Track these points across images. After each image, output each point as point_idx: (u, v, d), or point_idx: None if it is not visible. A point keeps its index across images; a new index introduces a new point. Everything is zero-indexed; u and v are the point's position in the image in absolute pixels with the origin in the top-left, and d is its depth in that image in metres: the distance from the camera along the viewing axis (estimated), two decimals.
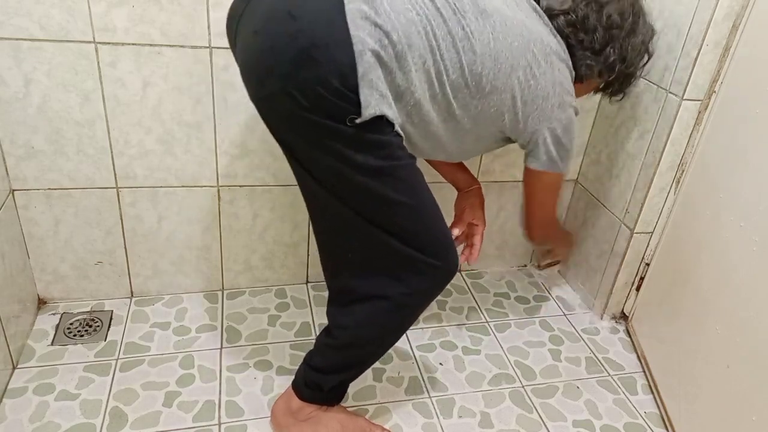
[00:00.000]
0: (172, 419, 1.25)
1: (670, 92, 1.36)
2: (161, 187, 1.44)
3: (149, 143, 1.38)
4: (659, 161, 1.40)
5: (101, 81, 1.29)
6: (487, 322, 1.63)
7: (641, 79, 1.45)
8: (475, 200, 1.40)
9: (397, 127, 0.96)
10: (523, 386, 1.42)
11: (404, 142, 0.99)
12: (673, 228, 1.44)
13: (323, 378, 1.16)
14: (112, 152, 1.37)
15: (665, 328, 1.43)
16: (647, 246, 1.52)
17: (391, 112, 0.93)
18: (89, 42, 1.25)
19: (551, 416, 1.34)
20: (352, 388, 1.36)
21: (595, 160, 1.66)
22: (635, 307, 1.59)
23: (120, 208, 1.44)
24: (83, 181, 1.39)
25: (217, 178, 1.46)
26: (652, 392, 1.43)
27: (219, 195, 1.49)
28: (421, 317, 1.61)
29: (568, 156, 1.16)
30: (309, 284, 1.69)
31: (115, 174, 1.40)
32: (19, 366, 1.33)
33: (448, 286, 1.73)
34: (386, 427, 1.27)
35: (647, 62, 1.23)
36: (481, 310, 1.67)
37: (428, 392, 1.38)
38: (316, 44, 0.87)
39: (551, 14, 1.12)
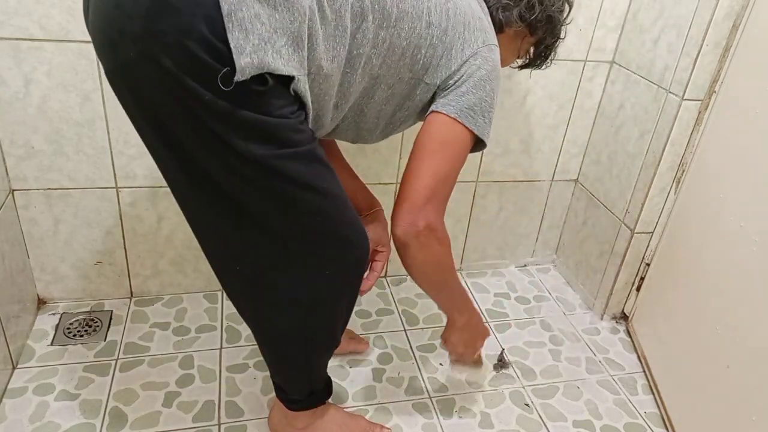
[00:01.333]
0: (172, 419, 1.25)
1: (670, 92, 1.36)
2: (161, 187, 1.44)
3: None
4: (659, 161, 1.40)
5: (101, 81, 1.29)
6: (487, 322, 1.63)
7: (642, 79, 1.45)
8: (378, 224, 1.23)
9: (299, 93, 0.77)
10: (523, 386, 1.42)
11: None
12: (673, 228, 1.44)
13: (294, 389, 1.13)
14: (111, 152, 1.37)
15: (665, 328, 1.43)
16: (647, 246, 1.52)
17: (282, 63, 0.73)
18: (89, 42, 1.24)
19: (551, 416, 1.34)
20: (352, 388, 1.36)
21: (595, 160, 1.66)
22: (635, 307, 1.59)
23: (120, 208, 1.44)
24: (83, 181, 1.39)
25: None
26: (653, 392, 1.43)
27: None
28: (421, 317, 1.61)
29: (486, 114, 0.94)
30: None
31: (114, 174, 1.40)
32: (19, 366, 1.33)
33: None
34: (386, 426, 1.27)
35: (567, 15, 1.11)
36: (481, 310, 1.67)
37: (428, 392, 1.38)
38: None
39: None
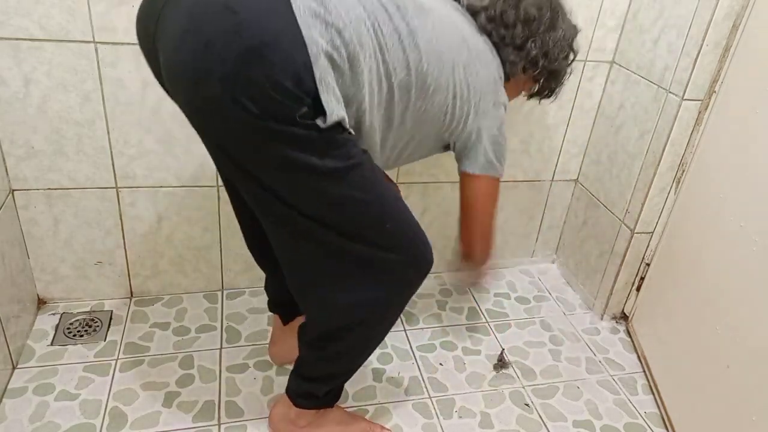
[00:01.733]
0: (172, 419, 1.25)
1: (670, 92, 1.36)
2: (161, 187, 1.44)
3: (149, 143, 1.38)
4: (659, 161, 1.40)
5: (101, 81, 1.29)
6: (487, 322, 1.63)
7: (642, 79, 1.45)
8: None
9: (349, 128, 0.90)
10: (523, 386, 1.42)
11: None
12: (673, 228, 1.44)
13: (316, 386, 1.15)
14: (111, 152, 1.37)
15: (665, 328, 1.43)
16: (647, 246, 1.52)
17: (345, 116, 0.87)
18: (89, 42, 1.25)
19: (551, 416, 1.34)
20: (352, 388, 1.36)
21: (595, 160, 1.66)
22: (635, 307, 1.59)
23: (119, 208, 1.44)
24: (83, 181, 1.39)
25: (217, 178, 1.46)
26: (652, 392, 1.43)
27: (219, 195, 1.49)
28: (421, 317, 1.61)
29: (504, 157, 1.14)
30: None
31: (114, 174, 1.40)
32: (19, 366, 1.33)
33: (448, 287, 1.74)
34: (386, 427, 1.27)
35: (573, 61, 1.21)
36: (481, 310, 1.67)
37: (428, 392, 1.38)
38: (265, 41, 0.78)
39: (473, 12, 1.11)
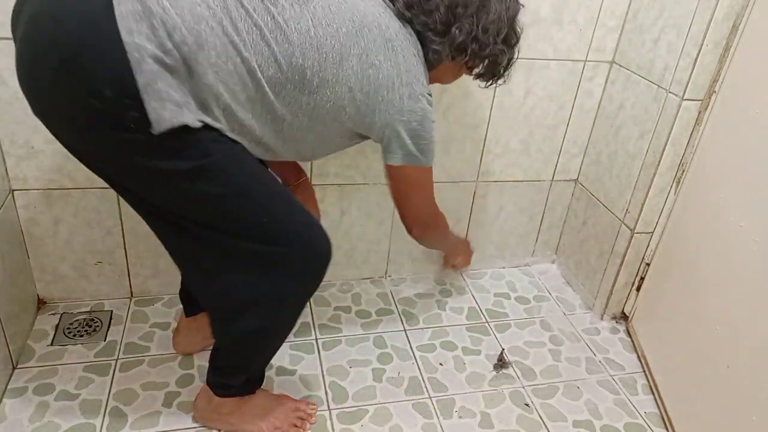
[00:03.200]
0: (172, 419, 1.25)
1: (670, 92, 1.36)
2: None
3: None
4: (659, 161, 1.40)
5: None
6: (487, 322, 1.63)
7: (642, 79, 1.45)
8: (305, 194, 1.33)
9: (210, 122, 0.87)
10: (523, 386, 1.42)
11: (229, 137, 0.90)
12: (673, 228, 1.44)
13: (230, 377, 1.16)
14: None
15: (665, 328, 1.43)
16: (647, 246, 1.52)
17: (193, 118, 0.83)
18: None
19: (551, 416, 1.34)
20: (352, 388, 1.36)
21: (595, 160, 1.66)
22: (635, 307, 1.59)
23: (120, 208, 1.44)
24: (83, 181, 1.38)
25: None
26: (652, 392, 1.43)
27: None
28: (421, 317, 1.61)
29: (429, 148, 1.08)
30: None
31: None
32: (19, 366, 1.33)
33: (448, 287, 1.74)
34: (386, 427, 1.27)
35: (515, 43, 1.12)
36: (481, 310, 1.67)
37: (428, 392, 1.38)
38: (80, 52, 0.77)
39: None
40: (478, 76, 1.17)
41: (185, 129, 0.83)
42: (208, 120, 0.85)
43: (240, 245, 0.96)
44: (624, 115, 1.53)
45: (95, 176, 1.36)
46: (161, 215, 0.96)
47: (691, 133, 1.37)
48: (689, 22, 1.29)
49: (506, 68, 1.15)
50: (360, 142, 1.10)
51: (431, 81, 1.09)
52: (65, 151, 1.32)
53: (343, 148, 1.12)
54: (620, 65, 1.54)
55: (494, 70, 1.14)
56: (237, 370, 1.15)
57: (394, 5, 1.03)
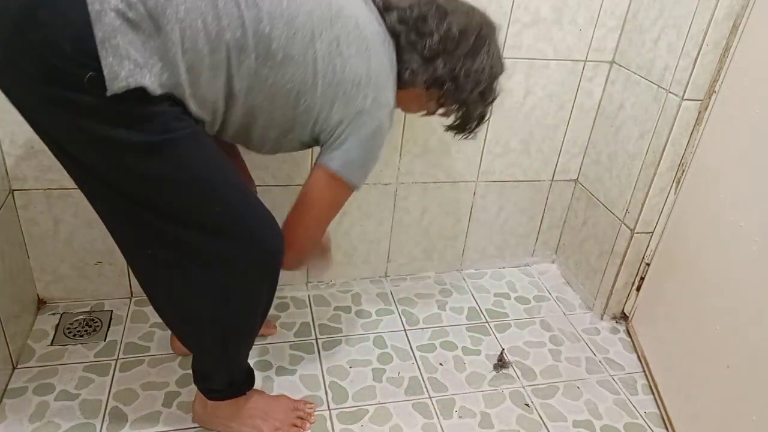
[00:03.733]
0: (172, 419, 1.25)
1: (670, 92, 1.36)
2: None
3: None
4: (659, 161, 1.40)
5: None
6: (487, 322, 1.63)
7: (642, 79, 1.45)
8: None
9: (177, 99, 0.82)
10: (523, 386, 1.42)
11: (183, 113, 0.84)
12: (673, 228, 1.44)
13: (210, 382, 1.15)
14: None
15: (665, 328, 1.43)
16: (647, 246, 1.52)
17: (153, 82, 0.78)
18: None
19: (551, 416, 1.34)
20: (352, 388, 1.36)
21: (595, 160, 1.66)
22: (635, 307, 1.59)
23: None
24: None
25: None
26: (652, 392, 1.43)
27: None
28: (421, 317, 1.61)
29: (366, 168, 1.02)
30: (308, 284, 1.69)
31: None
32: (19, 366, 1.33)
33: (448, 287, 1.74)
34: (386, 427, 1.27)
35: (490, 102, 1.10)
36: (481, 310, 1.67)
37: (428, 392, 1.38)
38: (38, 5, 0.73)
39: (387, 7, 1.02)
40: (449, 124, 1.13)
41: (144, 97, 0.77)
42: (170, 88, 0.80)
43: (186, 235, 0.90)
44: (624, 115, 1.53)
45: None
46: (103, 194, 0.89)
47: (691, 133, 1.37)
48: (689, 22, 1.29)
49: (477, 124, 1.12)
50: (311, 145, 1.04)
51: (396, 102, 1.05)
52: None
53: (289, 146, 1.04)
54: (620, 65, 1.54)
55: (465, 120, 1.11)
56: (213, 374, 1.14)
57: (385, 16, 1.01)
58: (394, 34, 1.01)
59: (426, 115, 1.13)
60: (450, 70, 1.02)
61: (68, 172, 0.92)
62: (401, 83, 1.04)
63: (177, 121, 0.83)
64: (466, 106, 1.08)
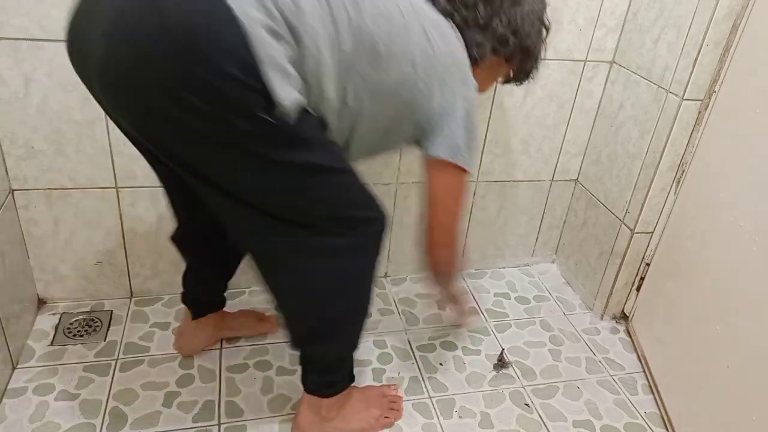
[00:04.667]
0: (172, 419, 1.25)
1: (670, 92, 1.36)
2: (161, 187, 1.44)
3: None
4: (659, 161, 1.40)
5: None
6: (486, 322, 1.63)
7: (642, 79, 1.45)
8: None
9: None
10: (523, 386, 1.42)
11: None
12: (673, 228, 1.44)
13: (335, 371, 1.17)
14: (111, 152, 1.37)
15: (665, 328, 1.43)
16: (647, 246, 1.52)
17: (304, 99, 0.81)
18: None
19: (551, 416, 1.34)
20: None
21: (595, 160, 1.66)
22: (635, 307, 1.59)
23: (120, 208, 1.44)
24: (83, 181, 1.39)
25: None
26: (652, 392, 1.43)
27: None
28: (421, 317, 1.61)
29: (473, 147, 1.04)
30: None
31: (114, 174, 1.40)
32: (19, 366, 1.33)
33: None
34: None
35: (546, 36, 1.14)
36: (481, 310, 1.67)
37: (428, 392, 1.38)
38: (195, 30, 0.71)
39: None
40: (509, 80, 1.18)
41: (306, 113, 0.80)
42: (306, 101, 0.82)
43: (325, 228, 0.94)
44: (624, 115, 1.53)
45: (95, 176, 1.39)
46: (244, 204, 0.89)
47: (691, 133, 1.37)
48: (689, 22, 1.30)
49: (537, 64, 1.15)
50: (404, 143, 1.08)
51: None
52: (65, 150, 1.34)
53: (386, 147, 1.09)
54: (620, 65, 1.54)
55: (527, 68, 1.14)
56: (335, 365, 1.16)
57: (434, 2, 1.04)
58: (448, 14, 1.04)
59: (504, 83, 1.17)
60: (508, 25, 1.06)
61: (194, 190, 0.92)
62: (473, 61, 1.06)
63: (324, 130, 0.88)
64: (530, 51, 1.11)
